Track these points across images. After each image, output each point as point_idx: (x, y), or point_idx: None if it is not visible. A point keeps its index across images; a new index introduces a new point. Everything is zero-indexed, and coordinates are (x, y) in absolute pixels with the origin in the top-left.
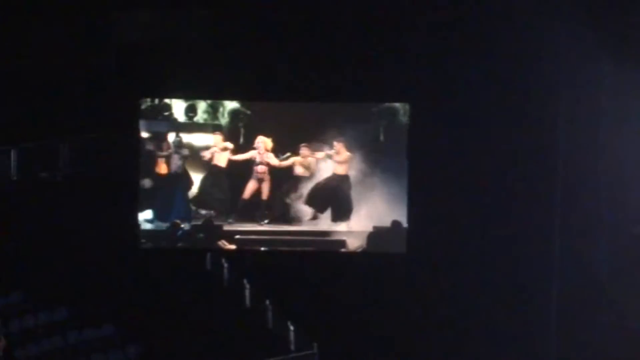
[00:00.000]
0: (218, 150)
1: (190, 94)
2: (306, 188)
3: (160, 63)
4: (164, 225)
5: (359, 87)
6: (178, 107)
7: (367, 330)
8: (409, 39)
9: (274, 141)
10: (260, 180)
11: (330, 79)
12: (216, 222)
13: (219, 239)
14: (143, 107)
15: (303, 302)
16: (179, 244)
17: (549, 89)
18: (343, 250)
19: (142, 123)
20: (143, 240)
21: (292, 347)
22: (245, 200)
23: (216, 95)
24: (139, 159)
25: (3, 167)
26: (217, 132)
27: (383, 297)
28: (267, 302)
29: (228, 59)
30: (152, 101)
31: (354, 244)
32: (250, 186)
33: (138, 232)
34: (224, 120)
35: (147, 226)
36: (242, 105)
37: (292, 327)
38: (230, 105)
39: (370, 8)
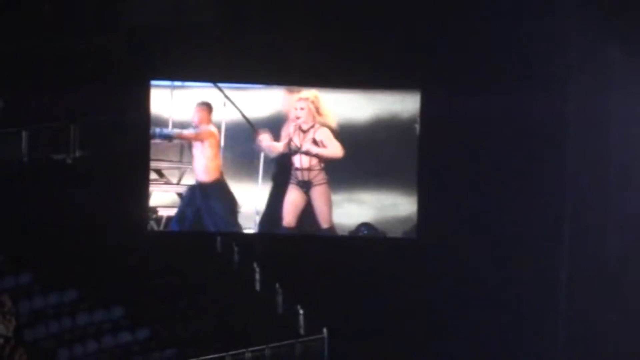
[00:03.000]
0: None
1: (202, 77)
2: None
3: (172, 44)
4: None
5: (368, 74)
6: None
7: (377, 315)
8: (419, 25)
9: None
10: None
11: (340, 65)
12: None
13: None
14: None
15: (313, 286)
16: None
17: (559, 79)
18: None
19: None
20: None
21: (302, 331)
22: None
23: (227, 79)
24: (150, 141)
25: (14, 148)
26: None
27: (393, 282)
28: (277, 286)
29: (239, 42)
30: None
31: None
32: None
33: (148, 214)
34: None
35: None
36: None
37: (301, 311)
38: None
39: None
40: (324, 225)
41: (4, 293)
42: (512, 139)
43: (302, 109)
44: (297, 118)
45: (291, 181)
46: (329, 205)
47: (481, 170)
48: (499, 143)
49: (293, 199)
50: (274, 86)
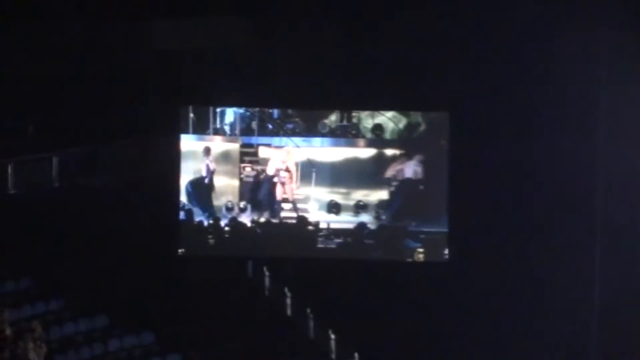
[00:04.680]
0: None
1: (228, 102)
2: None
3: (201, 69)
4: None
5: (399, 96)
6: (365, 124)
7: (409, 339)
8: (448, 48)
9: None
10: (283, 184)
11: (371, 87)
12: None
13: (404, 238)
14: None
15: (344, 311)
16: (366, 241)
17: (588, 92)
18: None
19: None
20: (332, 237)
21: (333, 356)
22: (278, 200)
23: (255, 103)
24: (179, 165)
25: (44, 173)
26: None
27: (425, 306)
28: (308, 310)
29: (267, 67)
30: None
31: None
32: (278, 189)
33: (178, 238)
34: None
35: (335, 225)
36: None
37: (333, 336)
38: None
39: (410, 17)
40: None
41: (35, 319)
42: (543, 158)
43: None
44: None
45: None
46: None
47: (511, 192)
48: (529, 163)
49: None
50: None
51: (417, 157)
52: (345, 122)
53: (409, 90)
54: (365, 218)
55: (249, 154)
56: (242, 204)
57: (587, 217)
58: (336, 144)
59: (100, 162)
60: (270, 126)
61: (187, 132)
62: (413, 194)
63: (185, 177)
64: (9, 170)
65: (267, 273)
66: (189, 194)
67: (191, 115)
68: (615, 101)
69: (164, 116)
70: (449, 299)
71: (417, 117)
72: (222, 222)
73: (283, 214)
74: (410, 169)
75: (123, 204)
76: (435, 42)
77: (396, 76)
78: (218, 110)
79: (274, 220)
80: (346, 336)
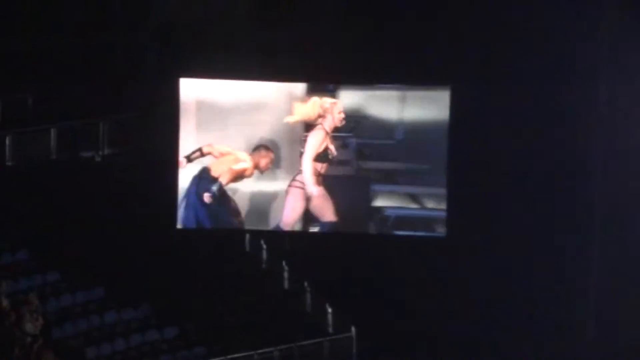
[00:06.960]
0: None
1: (228, 74)
2: None
3: (201, 42)
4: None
5: (400, 71)
6: None
7: (405, 313)
8: (449, 22)
9: None
10: None
11: (371, 62)
12: None
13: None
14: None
15: (341, 285)
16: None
17: (589, 72)
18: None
19: None
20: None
21: (330, 329)
22: None
23: (255, 77)
24: (178, 137)
25: (43, 145)
26: None
27: (422, 281)
28: (306, 284)
29: (267, 40)
30: None
31: None
32: None
33: (175, 212)
34: None
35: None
36: None
37: (330, 310)
38: None
39: None
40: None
41: (31, 291)
42: (542, 136)
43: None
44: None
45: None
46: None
47: (511, 167)
48: (529, 140)
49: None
50: (302, 83)
51: None
52: None
53: (409, 65)
54: None
55: None
56: None
57: (586, 192)
58: None
59: (100, 135)
60: None
61: None
62: None
63: None
64: (7, 142)
65: (264, 246)
66: None
67: None
68: (616, 79)
69: (163, 89)
70: (446, 275)
71: None
72: None
73: None
74: None
75: (121, 177)
76: (437, 17)
77: (396, 50)
78: None
79: None
80: (343, 310)
